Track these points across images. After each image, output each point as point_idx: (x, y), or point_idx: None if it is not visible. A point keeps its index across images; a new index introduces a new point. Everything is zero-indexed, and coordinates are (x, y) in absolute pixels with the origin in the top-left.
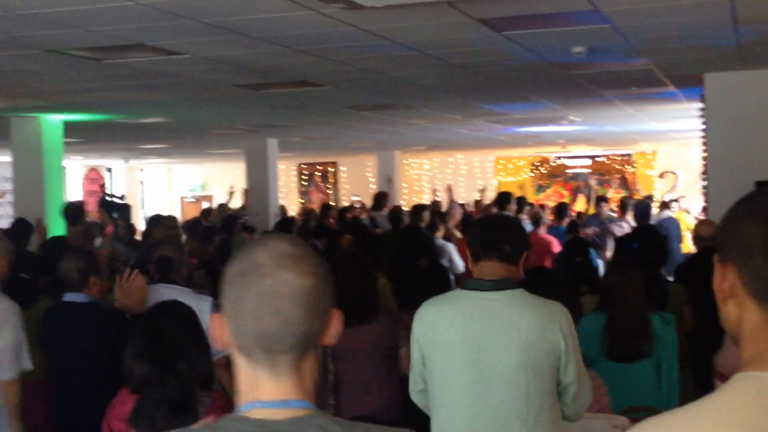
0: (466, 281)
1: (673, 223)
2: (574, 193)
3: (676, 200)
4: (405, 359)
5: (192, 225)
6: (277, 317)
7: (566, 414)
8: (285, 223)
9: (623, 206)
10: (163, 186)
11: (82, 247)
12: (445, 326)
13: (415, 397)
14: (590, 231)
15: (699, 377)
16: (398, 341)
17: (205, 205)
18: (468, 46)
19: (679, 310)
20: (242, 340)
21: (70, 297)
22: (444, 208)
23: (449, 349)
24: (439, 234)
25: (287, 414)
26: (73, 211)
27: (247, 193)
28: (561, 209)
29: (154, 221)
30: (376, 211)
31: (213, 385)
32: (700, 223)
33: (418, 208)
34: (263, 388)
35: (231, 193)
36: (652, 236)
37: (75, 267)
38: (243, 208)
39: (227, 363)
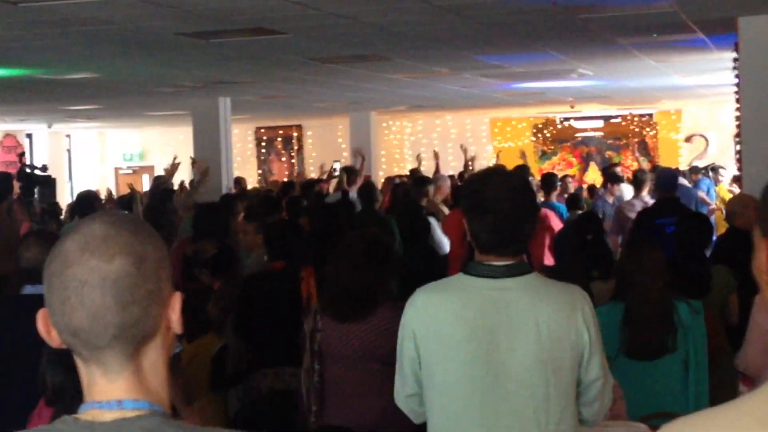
0: (470, 266)
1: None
2: (585, 160)
3: (705, 168)
4: None
5: (127, 202)
6: (84, 309)
7: (584, 417)
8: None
9: (637, 182)
10: (94, 155)
11: (45, 231)
12: (451, 319)
13: (403, 402)
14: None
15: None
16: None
17: (145, 178)
18: None
19: (722, 298)
20: (63, 337)
21: (30, 290)
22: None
23: (454, 348)
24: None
25: (116, 415)
26: None
27: (198, 165)
28: (547, 180)
29: (84, 200)
30: (350, 186)
31: None
32: (736, 199)
33: (420, 181)
34: (97, 387)
35: (174, 165)
36: (683, 211)
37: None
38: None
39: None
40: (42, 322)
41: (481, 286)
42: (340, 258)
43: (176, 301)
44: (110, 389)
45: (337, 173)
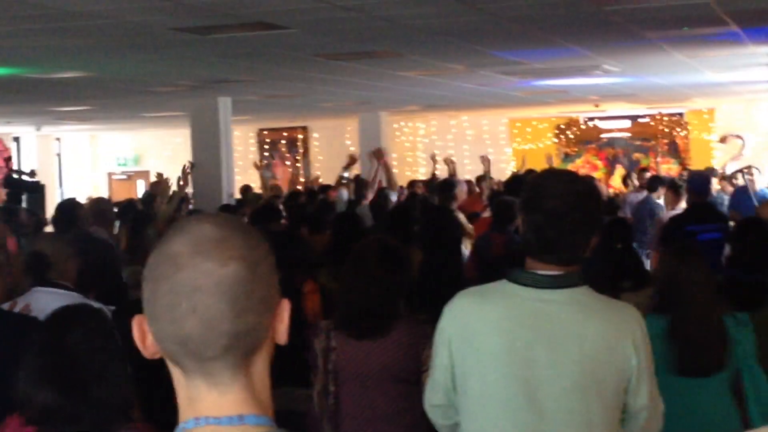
0: (515, 272)
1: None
2: (611, 163)
3: (741, 171)
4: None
5: (123, 209)
6: (196, 317)
7: None
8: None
9: (675, 188)
10: (86, 159)
11: None
12: (488, 329)
13: (429, 410)
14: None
15: None
16: (420, 364)
17: (140, 184)
18: None
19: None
20: (165, 346)
21: None
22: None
23: (490, 360)
24: None
25: (238, 431)
26: None
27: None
28: None
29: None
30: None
31: (130, 412)
32: (763, 206)
33: (447, 185)
34: (205, 402)
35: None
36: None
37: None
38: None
39: None
40: (138, 329)
41: (525, 296)
42: (353, 270)
43: (285, 310)
44: (223, 403)
45: (344, 181)
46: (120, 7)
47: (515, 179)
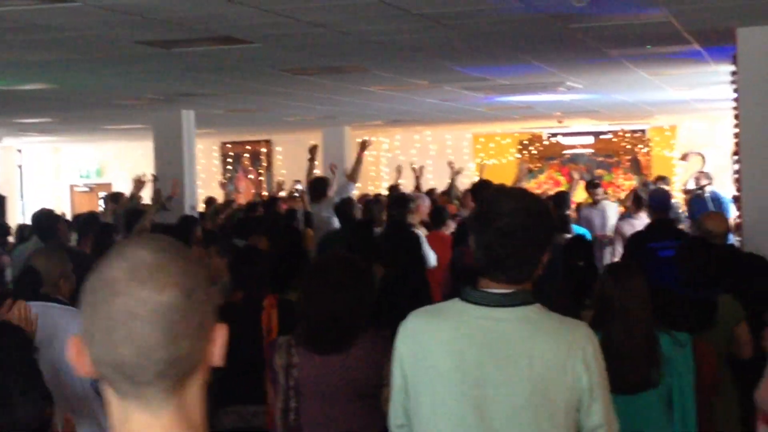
0: (466, 291)
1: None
2: (574, 183)
3: (702, 187)
4: (386, 402)
5: (85, 222)
6: (131, 344)
7: None
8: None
9: (638, 200)
10: (48, 171)
11: None
12: (438, 348)
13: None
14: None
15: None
16: (381, 378)
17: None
18: None
19: (728, 329)
20: (101, 369)
21: None
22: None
23: (440, 379)
24: None
25: None
26: None
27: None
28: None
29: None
30: (317, 203)
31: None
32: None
33: (401, 200)
34: (137, 423)
35: (141, 182)
36: (680, 235)
37: None
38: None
39: None
40: (75, 350)
41: (475, 314)
42: (315, 284)
43: (220, 334)
44: (154, 424)
45: (296, 194)
46: (85, 21)
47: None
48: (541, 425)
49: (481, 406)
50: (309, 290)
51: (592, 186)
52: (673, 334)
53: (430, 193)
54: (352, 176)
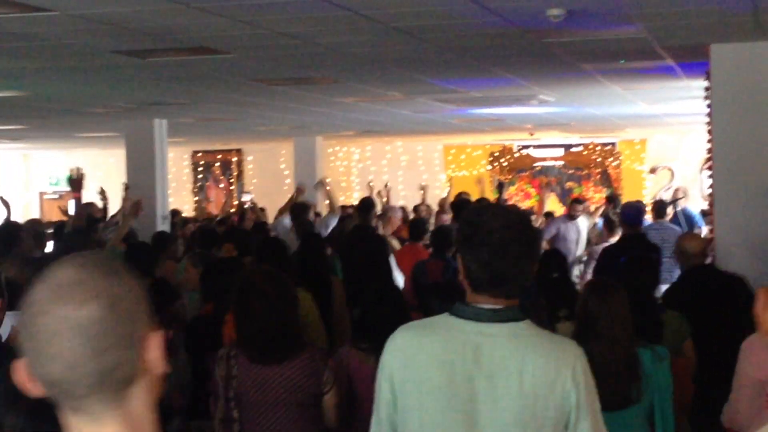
0: (457, 306)
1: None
2: (544, 191)
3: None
4: (331, 410)
5: (55, 230)
6: (60, 360)
7: None
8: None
9: (610, 223)
10: (18, 178)
11: None
12: (428, 363)
13: None
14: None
15: None
16: (322, 386)
17: (71, 204)
18: (414, 5)
19: (677, 345)
20: (43, 387)
21: None
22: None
23: (431, 394)
24: None
25: None
26: None
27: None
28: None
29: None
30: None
31: None
32: (686, 237)
33: (366, 205)
34: None
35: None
36: (642, 249)
37: None
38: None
39: None
40: (20, 372)
41: (466, 329)
42: (243, 297)
43: (153, 341)
44: None
45: (247, 206)
46: (63, 30)
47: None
48: None
49: (470, 421)
50: (239, 304)
51: (577, 201)
52: (654, 348)
53: (403, 208)
54: (332, 209)
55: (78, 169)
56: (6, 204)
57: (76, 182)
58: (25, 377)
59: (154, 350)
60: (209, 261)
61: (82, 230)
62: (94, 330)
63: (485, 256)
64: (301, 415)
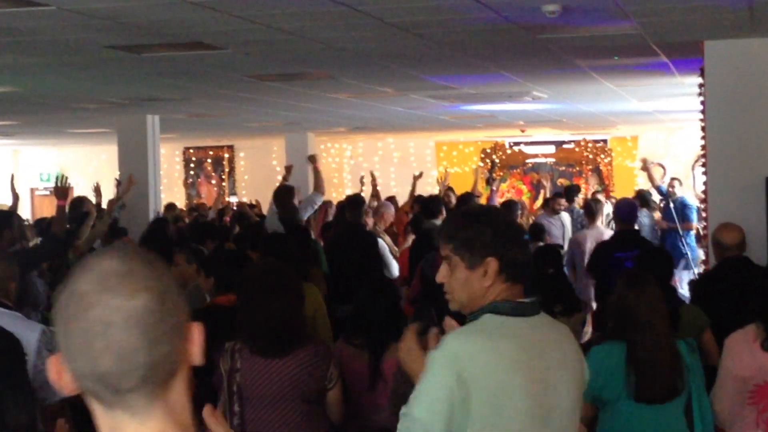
0: (495, 303)
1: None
2: (535, 188)
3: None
4: (335, 405)
5: (47, 225)
6: (112, 352)
7: None
8: (157, 226)
9: (590, 210)
10: (7, 174)
11: None
12: (509, 366)
13: None
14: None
15: None
16: (326, 381)
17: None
18: (409, 0)
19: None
20: (83, 382)
21: None
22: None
23: (518, 397)
24: None
25: None
26: None
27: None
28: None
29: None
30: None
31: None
32: (723, 228)
33: (355, 202)
34: (127, 431)
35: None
36: (645, 244)
37: None
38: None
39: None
40: (54, 368)
41: (518, 325)
42: (249, 291)
43: (196, 333)
44: (145, 431)
45: (235, 207)
46: (57, 25)
47: (434, 201)
48: (575, 425)
49: (546, 415)
50: (244, 297)
51: (558, 195)
52: (688, 340)
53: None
54: (317, 187)
55: (65, 177)
56: (16, 196)
57: (62, 190)
58: (59, 374)
59: (196, 341)
60: (213, 254)
61: (61, 240)
62: (147, 321)
63: (521, 254)
64: (306, 412)
